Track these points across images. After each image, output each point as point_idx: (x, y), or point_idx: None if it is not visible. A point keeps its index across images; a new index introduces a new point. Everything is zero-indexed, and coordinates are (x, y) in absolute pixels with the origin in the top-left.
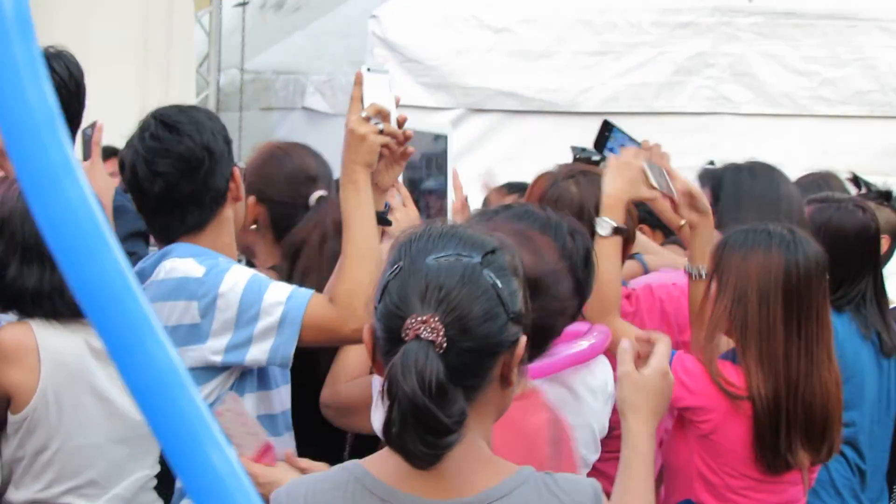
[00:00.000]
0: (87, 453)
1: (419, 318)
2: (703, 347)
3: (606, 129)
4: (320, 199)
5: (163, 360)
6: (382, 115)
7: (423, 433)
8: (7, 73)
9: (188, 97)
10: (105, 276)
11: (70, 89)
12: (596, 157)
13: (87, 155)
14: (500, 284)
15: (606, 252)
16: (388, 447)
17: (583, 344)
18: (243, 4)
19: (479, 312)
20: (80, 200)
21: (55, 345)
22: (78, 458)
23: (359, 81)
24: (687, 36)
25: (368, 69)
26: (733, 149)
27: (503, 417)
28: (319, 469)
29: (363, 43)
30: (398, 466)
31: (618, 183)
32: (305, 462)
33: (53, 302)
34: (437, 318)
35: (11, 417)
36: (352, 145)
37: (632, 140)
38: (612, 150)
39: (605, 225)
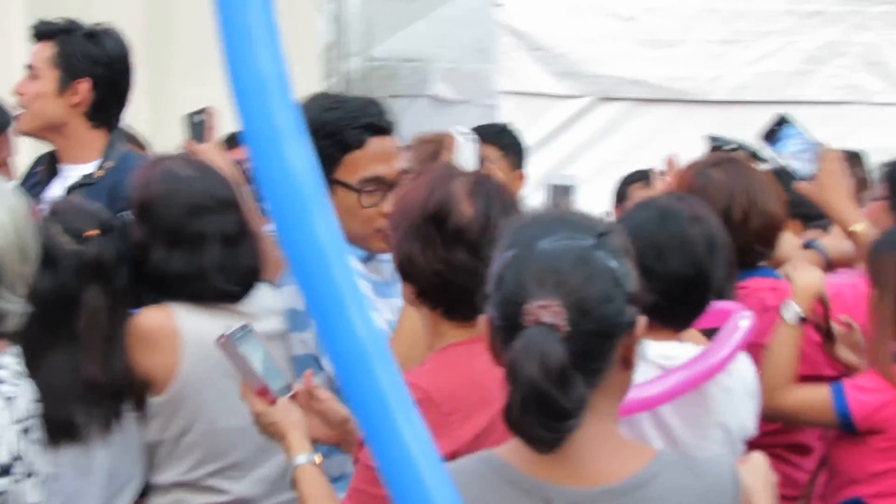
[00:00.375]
0: (231, 436)
1: (538, 303)
2: (873, 355)
3: (779, 122)
4: None
5: (362, 327)
6: None
7: (544, 418)
8: (242, 37)
9: (314, 85)
10: (316, 239)
11: (119, 66)
12: (731, 146)
13: (199, 139)
14: (615, 265)
15: (784, 338)
16: (510, 431)
17: (720, 352)
18: None
19: (597, 294)
20: (302, 163)
21: (196, 328)
22: (222, 440)
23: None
24: (817, 25)
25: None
26: (866, 138)
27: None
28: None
29: (485, 31)
30: (535, 455)
31: (813, 274)
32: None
33: (196, 286)
34: (557, 302)
35: (153, 400)
36: None
37: (808, 137)
38: (782, 145)
39: (791, 312)
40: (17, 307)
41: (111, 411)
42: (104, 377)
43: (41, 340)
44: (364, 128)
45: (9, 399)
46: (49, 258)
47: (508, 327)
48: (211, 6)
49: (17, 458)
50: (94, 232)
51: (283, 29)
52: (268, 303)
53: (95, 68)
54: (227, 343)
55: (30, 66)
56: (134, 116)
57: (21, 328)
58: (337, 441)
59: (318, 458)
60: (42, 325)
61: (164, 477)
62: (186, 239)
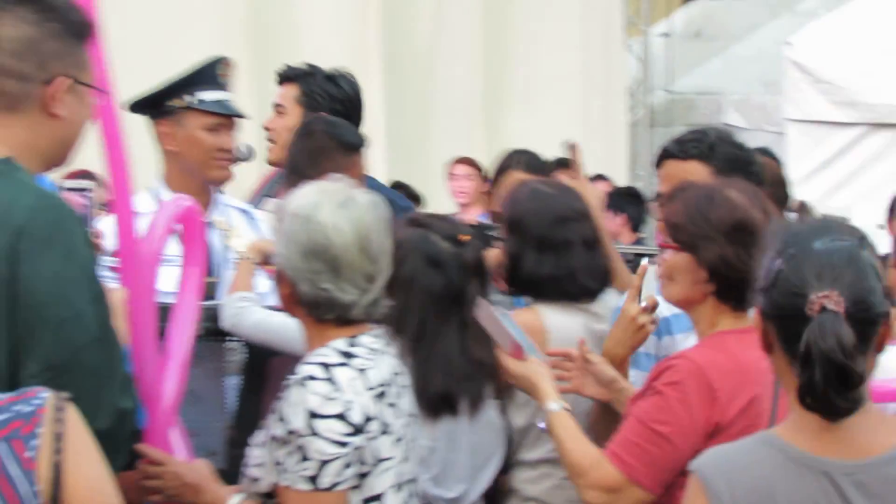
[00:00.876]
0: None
1: (821, 294)
2: None
3: None
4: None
5: None
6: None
7: (843, 388)
8: None
9: (621, 116)
10: None
11: (354, 103)
12: None
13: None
14: (876, 263)
15: None
16: (806, 407)
17: None
18: (666, 35)
19: (867, 287)
20: None
21: (560, 325)
22: (582, 422)
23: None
24: None
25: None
26: None
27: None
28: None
29: (773, 66)
30: (810, 433)
31: None
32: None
33: (565, 285)
34: (836, 293)
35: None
36: (626, 329)
37: None
38: None
39: None
40: (355, 298)
41: (481, 391)
42: (489, 358)
43: (437, 329)
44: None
45: (362, 371)
46: (435, 261)
47: (789, 316)
48: (539, 49)
49: (371, 418)
50: (467, 237)
51: (596, 66)
52: (611, 305)
53: (334, 104)
54: (490, 313)
55: (277, 105)
56: (472, 146)
57: (418, 319)
58: (607, 398)
59: (566, 405)
60: (437, 317)
61: (532, 455)
62: (554, 245)
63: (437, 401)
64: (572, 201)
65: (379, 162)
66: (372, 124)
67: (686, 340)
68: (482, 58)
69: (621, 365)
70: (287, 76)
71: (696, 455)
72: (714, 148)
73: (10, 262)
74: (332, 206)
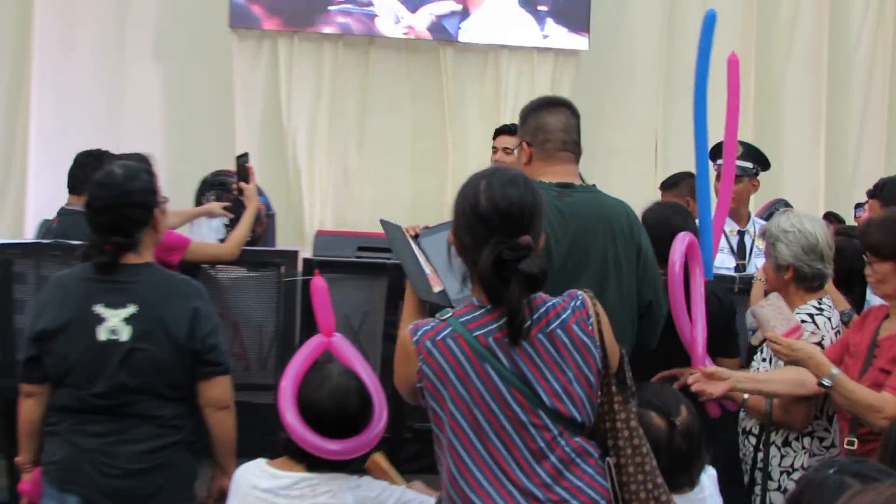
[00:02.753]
0: None
1: None
2: None
3: None
4: None
5: None
6: None
7: None
8: None
9: None
10: None
11: None
12: None
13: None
14: None
15: None
16: None
17: None
18: None
19: None
20: None
21: None
22: None
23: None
24: None
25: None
26: None
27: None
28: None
29: None
30: None
31: None
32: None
33: None
34: None
35: None
36: None
37: None
38: None
39: None
40: (827, 273)
41: None
42: None
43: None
44: None
45: (829, 318)
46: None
47: None
48: None
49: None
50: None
51: None
52: None
53: None
54: (779, 299)
55: (506, 148)
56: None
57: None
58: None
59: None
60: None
61: None
62: None
63: None
64: None
65: (821, 199)
66: (817, 177)
67: None
68: (885, 137)
69: None
70: (510, 131)
71: None
72: (883, 189)
73: (632, 232)
74: (807, 221)
